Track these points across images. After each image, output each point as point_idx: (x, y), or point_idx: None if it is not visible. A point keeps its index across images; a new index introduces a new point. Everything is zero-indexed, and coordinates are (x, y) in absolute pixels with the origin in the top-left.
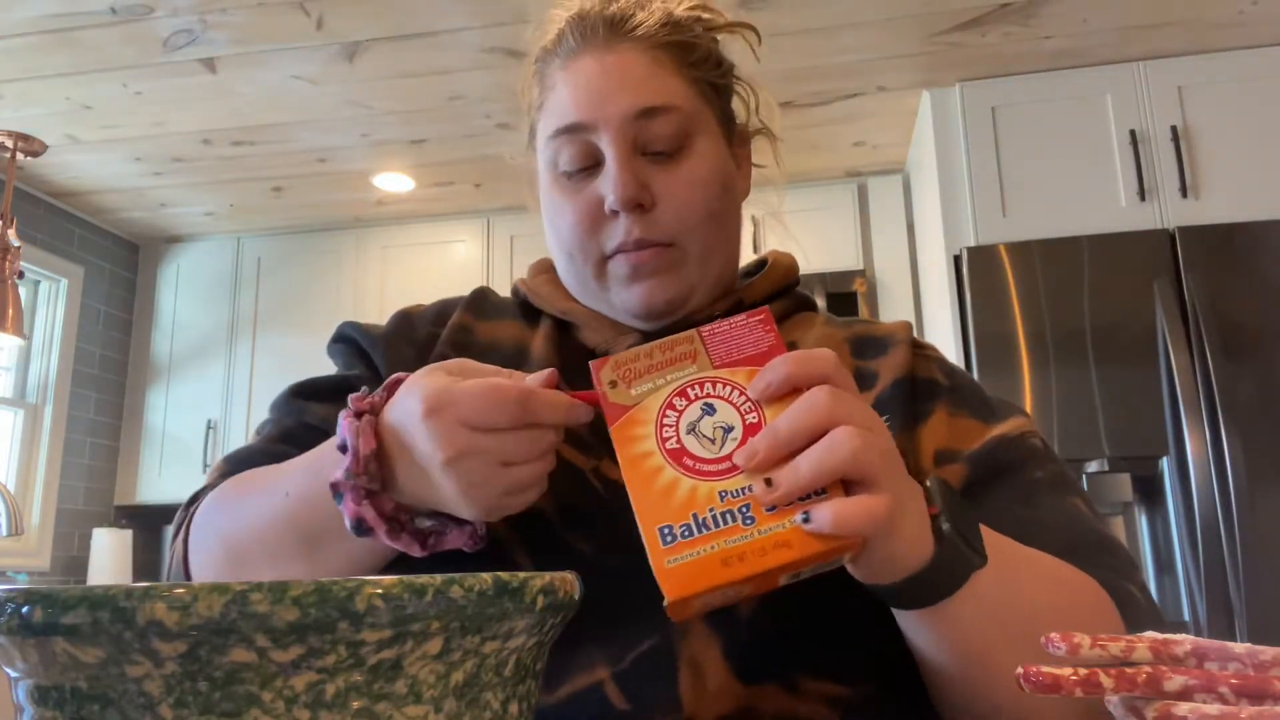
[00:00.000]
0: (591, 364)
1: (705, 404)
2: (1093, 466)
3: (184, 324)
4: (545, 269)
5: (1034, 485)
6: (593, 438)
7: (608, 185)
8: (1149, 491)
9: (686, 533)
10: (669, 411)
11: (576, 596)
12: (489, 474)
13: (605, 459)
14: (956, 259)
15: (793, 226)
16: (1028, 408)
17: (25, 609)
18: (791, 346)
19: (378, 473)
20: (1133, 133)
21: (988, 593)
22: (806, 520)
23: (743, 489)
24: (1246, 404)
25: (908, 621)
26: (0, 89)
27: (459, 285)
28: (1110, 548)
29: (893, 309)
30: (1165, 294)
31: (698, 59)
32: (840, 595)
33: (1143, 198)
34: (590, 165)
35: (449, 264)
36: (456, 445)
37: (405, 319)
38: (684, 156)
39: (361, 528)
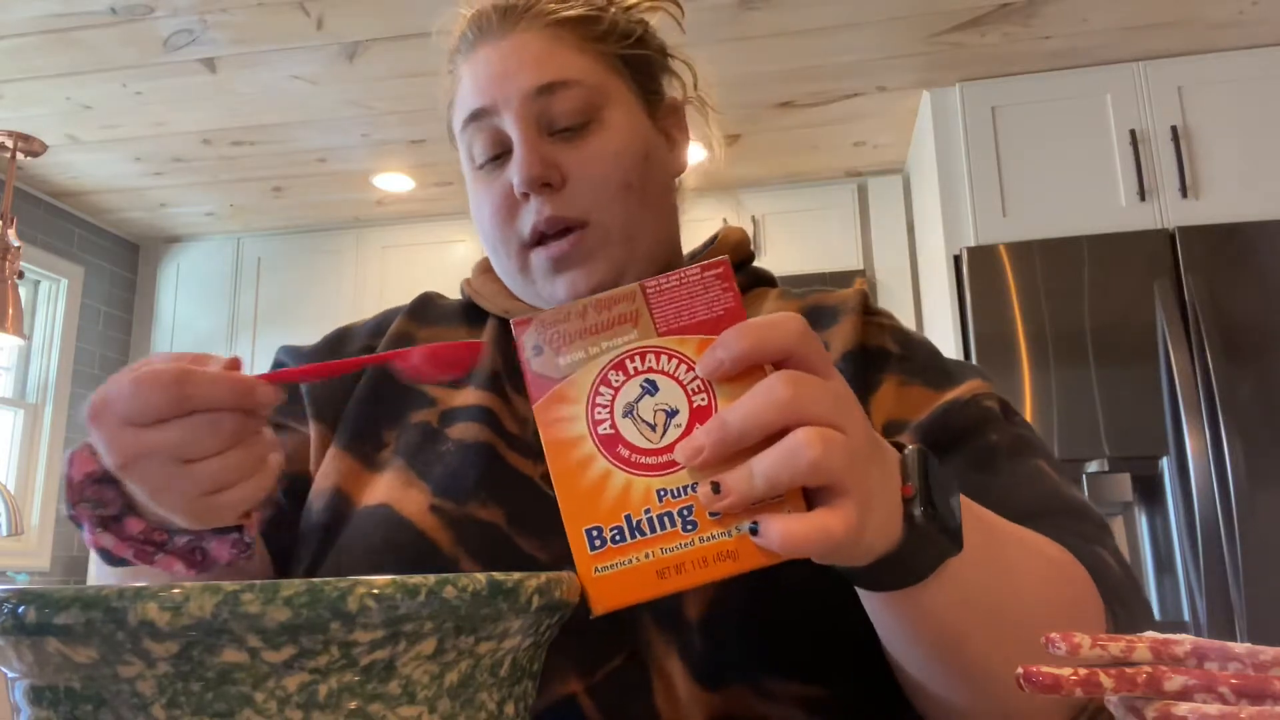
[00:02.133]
0: (513, 323)
1: (646, 380)
2: (1093, 466)
3: (184, 324)
4: (488, 267)
5: (992, 450)
6: (537, 442)
7: (515, 170)
8: (1149, 491)
9: (618, 537)
10: (603, 388)
11: (574, 598)
12: (169, 474)
13: None
14: (956, 259)
15: (793, 226)
16: (1027, 408)
17: (20, 609)
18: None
19: (114, 496)
20: (1133, 133)
21: (965, 576)
22: (754, 532)
23: (685, 488)
24: (1246, 404)
25: (873, 604)
26: (0, 89)
27: (458, 285)
28: (1078, 511)
29: (893, 309)
30: (1165, 294)
31: (603, 32)
32: (801, 587)
33: (1143, 198)
34: (501, 153)
35: (449, 264)
36: (124, 448)
37: (341, 334)
38: (592, 131)
39: (111, 557)
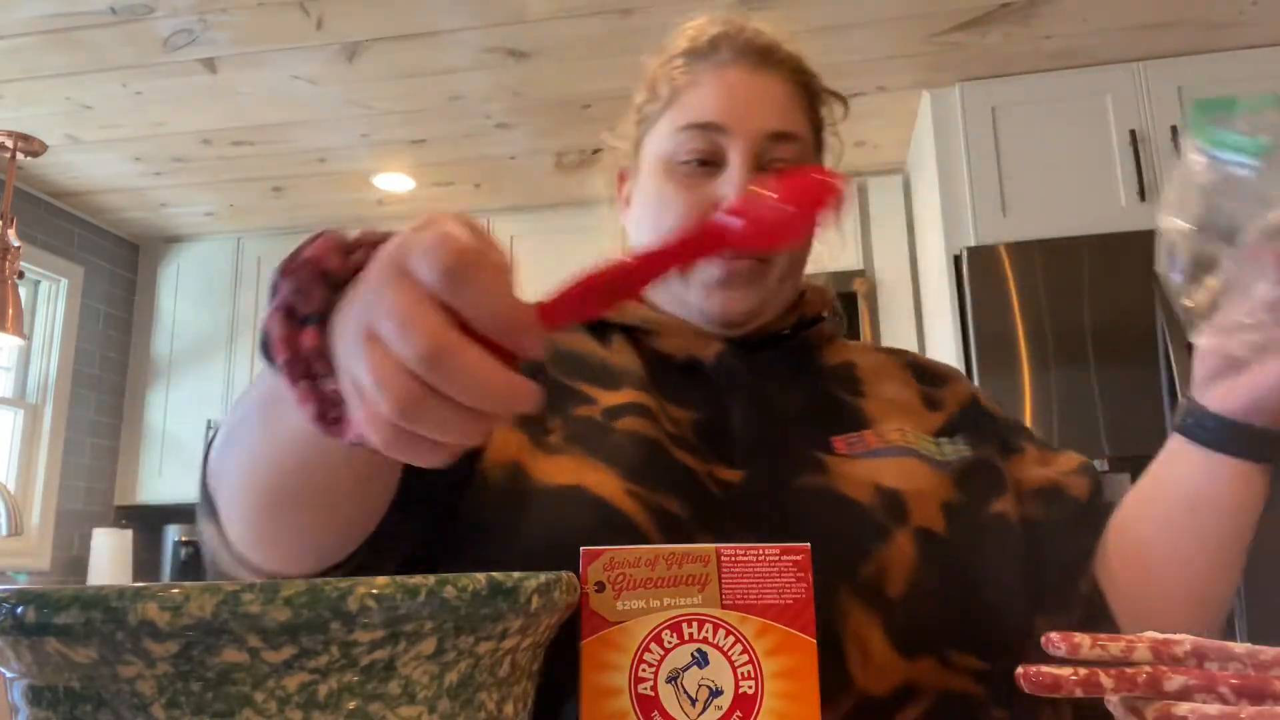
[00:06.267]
0: (584, 552)
1: (699, 650)
2: None
3: (184, 324)
4: None
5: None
6: (697, 439)
7: (729, 187)
8: None
9: None
10: (654, 646)
11: (573, 598)
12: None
13: (715, 464)
14: (956, 259)
15: None
16: (1027, 408)
17: (19, 609)
18: (848, 366)
19: (320, 297)
20: (1133, 133)
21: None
22: None
23: None
24: None
25: (1224, 472)
26: (0, 89)
27: None
28: None
29: (893, 309)
30: (1165, 294)
31: (817, 106)
32: (984, 576)
33: (1143, 198)
34: (708, 163)
35: None
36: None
37: None
38: None
39: (266, 346)
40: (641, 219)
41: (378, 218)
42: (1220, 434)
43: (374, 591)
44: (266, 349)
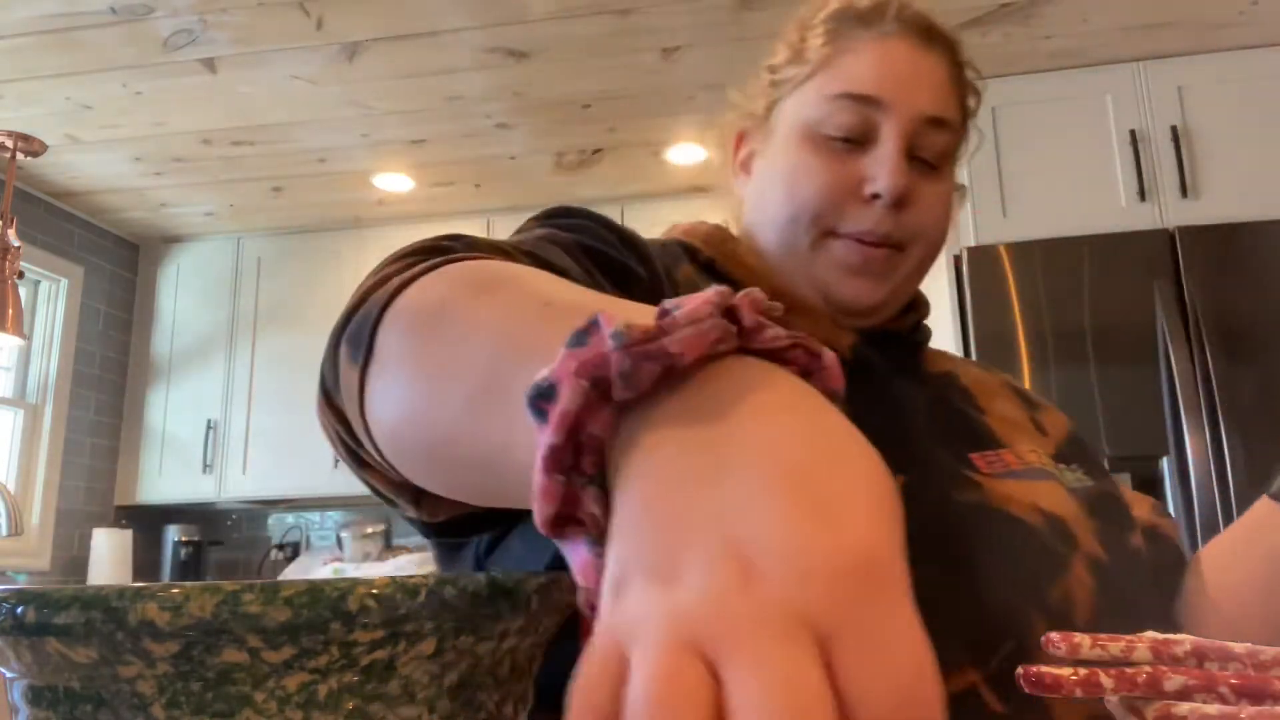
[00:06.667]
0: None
1: None
2: None
3: (184, 324)
4: (723, 238)
5: None
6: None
7: (881, 170)
8: (1149, 491)
9: None
10: None
11: (573, 598)
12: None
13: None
14: (956, 259)
15: None
16: None
17: (19, 609)
18: (952, 376)
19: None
20: (1133, 133)
21: None
22: None
23: None
24: (1246, 404)
25: None
26: (0, 89)
27: None
28: None
29: None
30: (1165, 294)
31: (966, 95)
32: (1140, 612)
33: (1143, 198)
34: (855, 139)
35: None
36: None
37: (645, 244)
38: (940, 177)
39: (542, 394)
40: (769, 187)
41: (377, 217)
42: None
43: (374, 591)
44: (541, 397)
